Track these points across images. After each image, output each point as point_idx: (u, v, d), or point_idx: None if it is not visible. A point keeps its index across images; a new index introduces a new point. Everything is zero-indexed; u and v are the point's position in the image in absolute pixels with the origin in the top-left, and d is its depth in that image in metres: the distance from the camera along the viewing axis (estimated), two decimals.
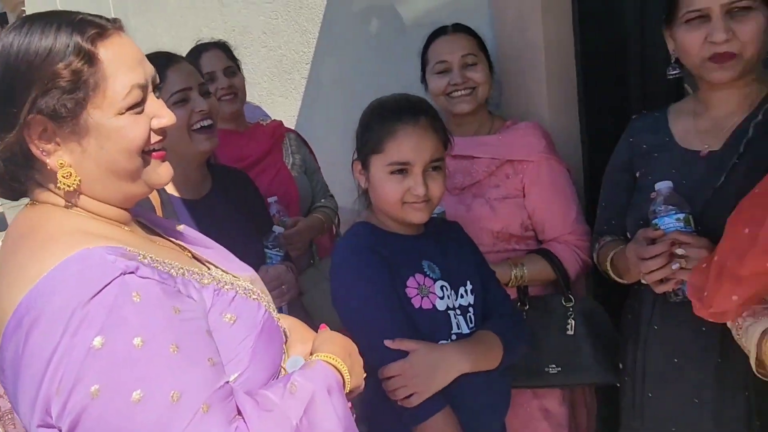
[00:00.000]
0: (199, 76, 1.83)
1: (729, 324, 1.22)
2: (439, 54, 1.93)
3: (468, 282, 1.54)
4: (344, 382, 1.15)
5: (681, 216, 1.33)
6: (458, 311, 1.50)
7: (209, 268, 1.16)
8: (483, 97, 1.93)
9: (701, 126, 1.48)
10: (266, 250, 1.90)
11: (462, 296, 1.52)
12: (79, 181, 1.00)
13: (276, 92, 3.44)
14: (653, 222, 1.36)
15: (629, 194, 1.59)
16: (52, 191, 1.03)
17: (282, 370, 1.16)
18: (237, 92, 2.38)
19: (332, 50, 3.01)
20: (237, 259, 1.28)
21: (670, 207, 1.34)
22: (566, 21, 2.09)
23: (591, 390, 1.98)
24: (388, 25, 2.67)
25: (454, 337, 1.46)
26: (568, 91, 2.14)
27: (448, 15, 2.21)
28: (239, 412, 0.97)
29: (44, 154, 0.98)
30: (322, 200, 2.48)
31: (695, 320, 1.36)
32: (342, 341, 1.23)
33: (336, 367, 1.14)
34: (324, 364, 1.14)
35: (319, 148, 3.13)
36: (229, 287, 1.11)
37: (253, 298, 1.14)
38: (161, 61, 1.75)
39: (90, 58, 0.97)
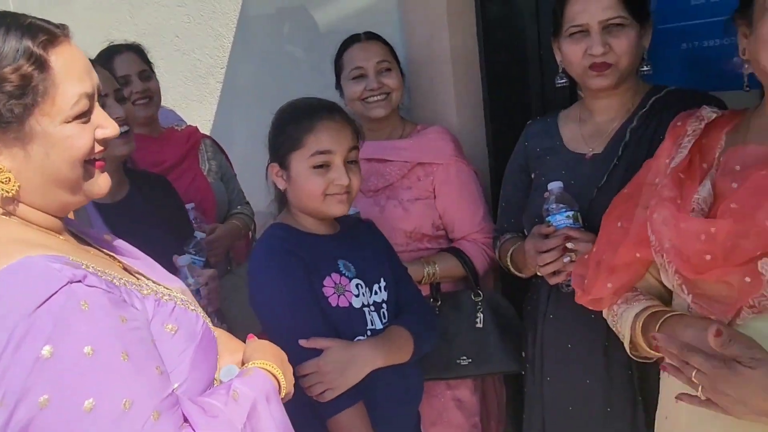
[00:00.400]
0: (114, 81, 1.81)
1: (605, 313, 1.35)
2: (354, 60, 2.01)
3: (382, 279, 1.61)
4: (280, 388, 1.18)
5: (570, 213, 1.46)
6: (372, 308, 1.56)
7: (139, 278, 1.15)
8: (396, 102, 2.02)
9: (586, 131, 1.63)
10: (188, 256, 1.91)
11: (376, 293, 1.59)
12: (18, 187, 0.98)
13: (191, 96, 3.41)
14: (546, 219, 1.48)
15: (526, 194, 1.72)
16: None
17: (215, 380, 1.17)
18: (152, 96, 2.35)
19: (247, 56, 3.02)
20: (164, 270, 1.27)
21: (561, 205, 1.47)
22: (471, 32, 2.21)
23: (500, 379, 2.11)
24: (302, 32, 2.72)
25: (369, 333, 1.52)
26: (474, 97, 2.26)
27: (359, 23, 2.28)
28: (185, 420, 0.98)
29: None
30: (239, 207, 2.48)
31: (585, 309, 1.50)
32: (273, 349, 1.26)
33: (273, 374, 1.17)
34: (261, 371, 1.16)
35: (236, 154, 3.13)
36: (168, 298, 1.11)
37: (191, 309, 1.15)
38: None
39: (41, 64, 0.96)
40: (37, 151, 0.98)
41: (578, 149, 1.62)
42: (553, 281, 1.49)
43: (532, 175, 1.71)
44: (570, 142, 1.65)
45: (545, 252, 1.45)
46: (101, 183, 1.08)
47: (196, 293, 1.76)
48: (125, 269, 1.16)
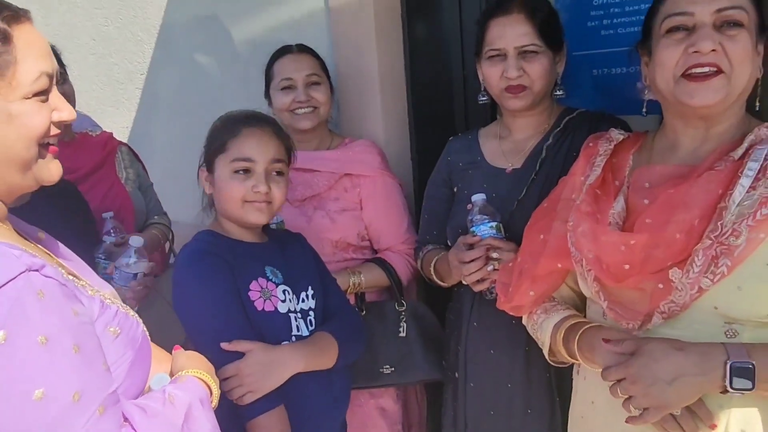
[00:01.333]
0: None
1: (524, 320, 1.43)
2: (284, 71, 2.02)
3: (309, 287, 1.62)
4: (213, 395, 1.20)
5: (493, 224, 1.53)
6: (299, 314, 1.57)
7: (81, 280, 1.11)
8: (325, 115, 2.05)
9: (505, 147, 1.73)
10: (99, 261, 1.85)
11: (303, 300, 1.59)
12: None
13: (107, 102, 3.29)
14: (471, 230, 1.55)
15: (448, 207, 1.79)
16: None
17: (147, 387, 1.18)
18: (68, 100, 2.25)
19: (170, 62, 2.96)
20: (95, 274, 1.24)
21: (485, 216, 1.54)
22: (398, 49, 2.28)
23: (421, 387, 2.15)
24: (228, 42, 2.70)
25: (293, 339, 1.52)
26: (400, 112, 2.32)
27: (288, 35, 2.30)
28: (125, 419, 0.99)
29: None
30: (156, 217, 2.42)
31: (507, 316, 1.57)
32: (202, 359, 1.28)
33: (205, 382, 1.20)
34: (194, 378, 1.19)
35: (156, 161, 3.04)
36: (110, 301, 1.10)
37: (131, 315, 1.15)
38: None
39: (4, 37, 0.95)
40: None
41: (498, 164, 1.71)
42: (477, 288, 1.55)
43: (455, 189, 1.78)
44: (490, 158, 1.73)
45: (470, 261, 1.51)
46: (52, 168, 1.07)
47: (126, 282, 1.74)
48: (61, 266, 1.12)
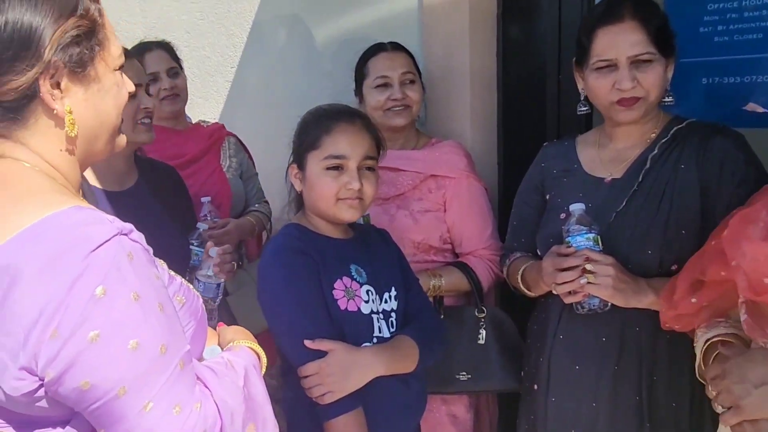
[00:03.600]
0: (144, 75, 1.82)
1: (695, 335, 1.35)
2: (380, 69, 2.01)
3: (393, 288, 1.60)
4: (262, 364, 1.27)
5: (591, 235, 1.46)
6: (381, 315, 1.55)
7: None
8: (416, 114, 2.03)
9: (605, 156, 1.64)
10: (191, 247, 1.89)
11: (386, 301, 1.57)
12: (77, 130, 1.03)
13: (197, 93, 3.38)
14: (566, 239, 1.48)
15: (539, 214, 1.72)
16: (27, 146, 1.01)
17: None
18: (179, 93, 2.39)
19: (260, 57, 3.01)
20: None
21: (582, 227, 1.47)
22: (490, 49, 2.23)
23: (494, 396, 2.10)
24: (317, 38, 2.72)
25: (375, 340, 1.51)
26: (488, 114, 2.27)
27: (378, 32, 2.29)
28: (198, 378, 1.06)
29: (53, 99, 0.99)
30: (256, 205, 2.49)
31: (596, 331, 1.52)
32: (247, 333, 1.35)
33: (255, 351, 1.27)
34: (245, 347, 1.26)
35: None
36: (173, 273, 1.16)
37: (191, 288, 1.20)
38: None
39: (100, 11, 1.05)
40: (95, 93, 1.05)
41: (597, 173, 1.63)
42: (568, 300, 1.48)
43: (547, 196, 1.71)
44: (588, 166, 1.65)
45: (564, 270, 1.45)
46: (122, 139, 1.17)
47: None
48: None
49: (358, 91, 2.08)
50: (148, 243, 1.65)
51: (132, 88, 1.17)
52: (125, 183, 1.78)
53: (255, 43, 3.01)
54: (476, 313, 1.90)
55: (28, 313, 0.89)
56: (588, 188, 1.61)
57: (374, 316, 1.53)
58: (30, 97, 0.99)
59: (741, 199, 1.33)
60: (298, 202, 1.62)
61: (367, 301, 1.52)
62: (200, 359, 1.21)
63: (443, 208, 2.01)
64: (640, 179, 1.54)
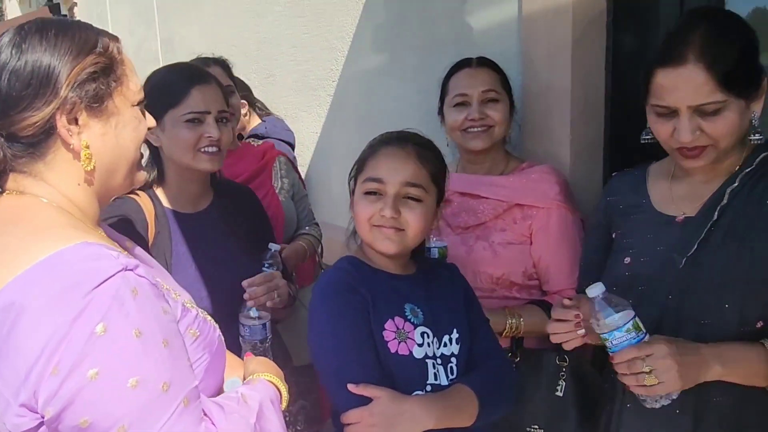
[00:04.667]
0: (222, 101, 1.74)
1: None
2: (459, 86, 1.86)
3: (455, 330, 1.43)
4: (282, 398, 1.27)
5: (629, 325, 1.21)
6: (439, 360, 1.39)
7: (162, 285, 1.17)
8: (499, 136, 1.84)
9: (678, 191, 1.40)
10: (263, 268, 1.83)
11: (446, 345, 1.41)
12: (94, 164, 1.06)
13: (300, 107, 3.39)
14: (602, 337, 1.24)
15: (606, 255, 1.50)
16: (45, 181, 1.05)
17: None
18: (234, 112, 2.34)
19: (358, 72, 2.95)
20: (176, 282, 1.30)
21: (611, 311, 1.22)
22: (598, 62, 1.99)
23: None
24: (414, 53, 2.59)
25: (429, 388, 1.35)
26: (593, 136, 2.02)
27: (475, 47, 2.13)
28: (205, 415, 1.06)
29: (69, 135, 1.03)
30: (306, 227, 2.42)
31: (668, 405, 1.29)
32: (273, 366, 1.35)
33: (275, 385, 1.27)
34: (265, 381, 1.27)
35: (337, 169, 3.06)
36: (190, 305, 1.18)
37: (209, 319, 1.22)
38: (194, 73, 1.73)
39: (119, 49, 1.10)
40: (113, 128, 1.08)
41: (667, 210, 1.39)
42: (567, 347, 1.35)
43: (614, 234, 1.48)
44: (658, 202, 1.42)
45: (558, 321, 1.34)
46: (143, 174, 1.21)
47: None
48: None
49: (441, 110, 1.92)
50: (218, 265, 1.66)
51: (153, 123, 1.20)
52: (198, 205, 1.77)
53: (354, 57, 2.95)
54: (557, 361, 1.67)
55: (31, 350, 0.90)
56: (658, 228, 1.38)
57: (429, 362, 1.37)
58: (48, 132, 1.03)
59: None
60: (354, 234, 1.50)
61: (421, 345, 1.37)
62: (218, 391, 1.22)
63: (529, 241, 1.80)
64: (715, 217, 1.29)
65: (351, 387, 1.30)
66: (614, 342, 1.21)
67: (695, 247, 1.29)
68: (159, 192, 1.71)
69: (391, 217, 1.36)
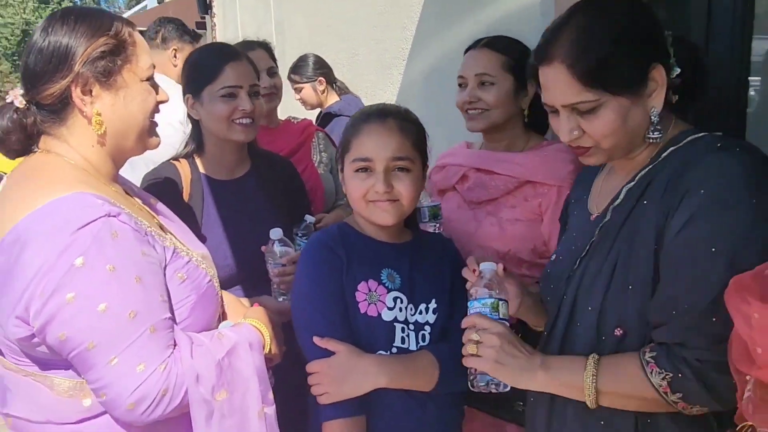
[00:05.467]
0: (253, 76, 1.91)
1: None
2: (461, 68, 1.89)
3: (433, 300, 1.50)
4: (265, 343, 1.40)
5: (489, 301, 1.26)
6: (412, 326, 1.47)
7: (169, 236, 1.37)
8: (498, 118, 1.83)
9: (605, 187, 1.34)
10: (296, 238, 1.97)
11: (421, 312, 1.48)
12: (105, 129, 1.25)
13: (378, 85, 3.52)
14: (468, 304, 1.30)
15: None
16: (67, 143, 1.26)
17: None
18: (276, 92, 2.52)
19: (425, 50, 3.01)
20: (194, 236, 1.50)
21: (486, 290, 1.28)
22: None
23: None
24: (474, 28, 2.61)
25: (394, 350, 1.43)
26: None
27: (536, 23, 2.12)
28: (175, 344, 1.22)
29: (83, 104, 1.22)
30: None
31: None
32: (265, 315, 1.48)
33: (259, 330, 1.41)
34: (249, 325, 1.41)
35: None
36: (185, 254, 1.34)
37: (202, 267, 1.37)
38: (226, 51, 1.90)
39: (130, 34, 1.28)
40: (122, 99, 1.26)
41: (591, 207, 1.35)
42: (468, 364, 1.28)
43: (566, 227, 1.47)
44: (592, 198, 1.37)
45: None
46: (155, 139, 1.37)
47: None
48: (160, 226, 1.38)
49: None
50: (246, 229, 1.83)
51: (165, 97, 1.35)
52: (234, 173, 1.94)
53: (421, 36, 3.01)
54: None
55: (27, 275, 1.10)
56: (579, 226, 1.36)
57: (398, 325, 1.45)
58: (65, 101, 1.23)
59: (682, 249, 1.07)
60: None
61: (392, 308, 1.45)
62: (207, 329, 1.36)
63: (540, 219, 1.80)
64: (606, 218, 1.25)
65: (316, 339, 1.40)
66: (471, 310, 1.27)
67: (587, 247, 1.26)
68: (198, 160, 1.92)
69: (385, 192, 1.44)
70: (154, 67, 1.34)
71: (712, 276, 1.01)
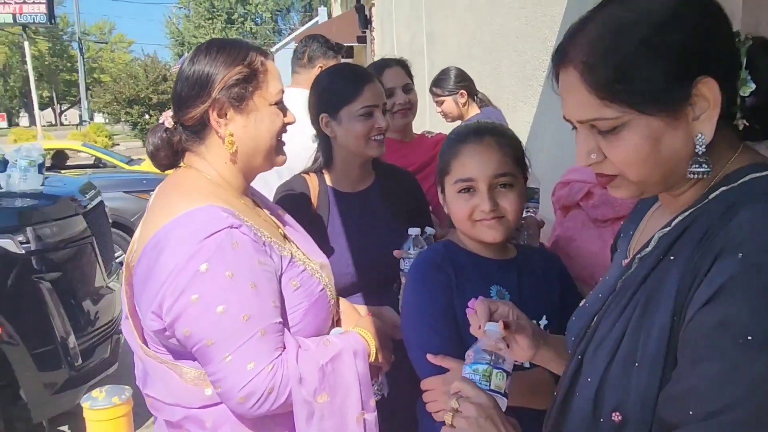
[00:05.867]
0: (384, 95, 2.02)
1: None
2: None
3: (543, 317, 1.48)
4: (370, 352, 1.45)
5: (481, 367, 1.10)
6: None
7: (290, 245, 1.49)
8: None
9: (650, 225, 1.06)
10: (406, 248, 2.03)
11: None
12: (236, 149, 1.39)
13: (519, 97, 3.48)
14: (464, 367, 1.13)
15: None
16: (205, 159, 1.42)
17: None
18: (411, 107, 2.58)
19: None
20: (316, 246, 1.60)
21: (485, 356, 1.11)
22: None
23: None
24: None
25: None
26: None
27: None
28: (284, 347, 1.32)
29: (218, 125, 1.38)
30: None
31: None
32: (377, 324, 1.55)
33: (365, 339, 1.47)
34: (356, 334, 1.48)
35: (544, 156, 3.11)
36: (301, 263, 1.44)
37: (316, 277, 1.47)
38: (362, 73, 2.04)
39: (262, 64, 1.41)
40: (253, 121, 1.39)
41: (630, 247, 1.09)
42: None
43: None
44: (636, 234, 1.10)
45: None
46: (281, 158, 1.48)
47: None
48: (284, 235, 1.50)
49: None
50: (368, 239, 1.94)
51: (292, 119, 1.47)
52: (359, 186, 2.05)
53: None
54: None
55: (161, 275, 1.26)
56: (613, 269, 1.10)
57: None
58: (204, 123, 1.39)
59: (707, 331, 0.78)
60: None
61: None
62: (317, 335, 1.45)
63: None
64: (632, 268, 0.98)
65: (429, 357, 1.42)
66: (462, 374, 1.13)
67: (605, 302, 1.00)
68: (326, 174, 2.04)
69: (491, 210, 1.45)
70: (283, 91, 1.45)
71: (746, 373, 0.74)
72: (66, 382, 3.15)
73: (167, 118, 1.45)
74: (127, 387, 2.21)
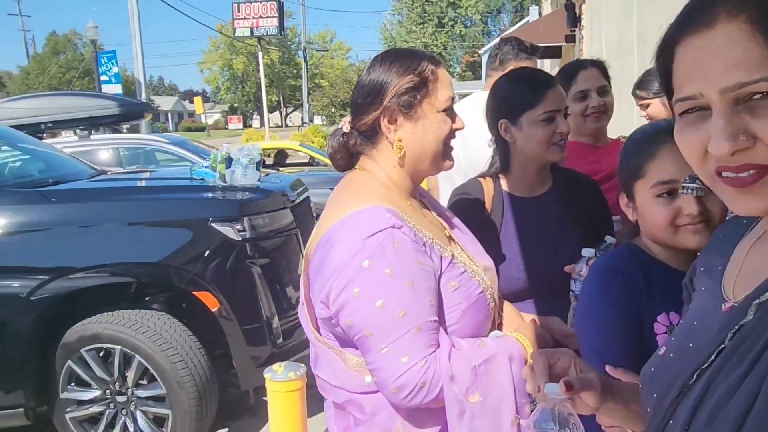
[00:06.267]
0: (565, 99, 1.99)
1: None
2: None
3: None
4: (527, 359, 1.43)
5: None
6: None
7: (454, 246, 1.53)
8: None
9: (752, 261, 0.86)
10: (593, 251, 1.94)
11: None
12: (404, 153, 1.46)
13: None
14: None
15: None
16: (376, 162, 1.53)
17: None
18: (606, 110, 2.44)
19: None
20: (482, 249, 1.63)
21: (549, 422, 0.91)
22: None
23: None
24: None
25: None
26: None
27: None
28: (438, 345, 1.35)
29: (388, 131, 1.48)
30: None
31: None
32: (539, 331, 1.57)
33: (522, 344, 1.46)
34: (513, 339, 1.48)
35: None
36: (462, 264, 1.48)
37: (476, 279, 1.50)
38: (544, 78, 2.03)
39: (432, 72, 1.46)
40: (421, 127, 1.45)
41: (726, 289, 0.89)
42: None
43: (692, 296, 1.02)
44: (729, 272, 0.90)
45: None
46: (448, 162, 1.52)
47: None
48: (450, 237, 1.55)
49: None
50: (541, 245, 1.93)
51: (461, 125, 1.52)
52: (535, 191, 2.02)
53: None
54: None
55: (330, 268, 1.38)
56: (704, 314, 0.91)
57: None
58: (376, 128, 1.49)
59: None
60: (634, 230, 1.53)
61: None
62: (477, 335, 1.49)
63: None
64: (747, 316, 0.79)
65: (609, 369, 1.32)
66: None
67: (711, 357, 0.82)
68: (502, 178, 2.05)
69: (699, 214, 1.35)
70: (453, 98, 1.49)
71: None
72: (269, 357, 3.51)
73: (345, 123, 1.56)
74: (302, 365, 2.43)
